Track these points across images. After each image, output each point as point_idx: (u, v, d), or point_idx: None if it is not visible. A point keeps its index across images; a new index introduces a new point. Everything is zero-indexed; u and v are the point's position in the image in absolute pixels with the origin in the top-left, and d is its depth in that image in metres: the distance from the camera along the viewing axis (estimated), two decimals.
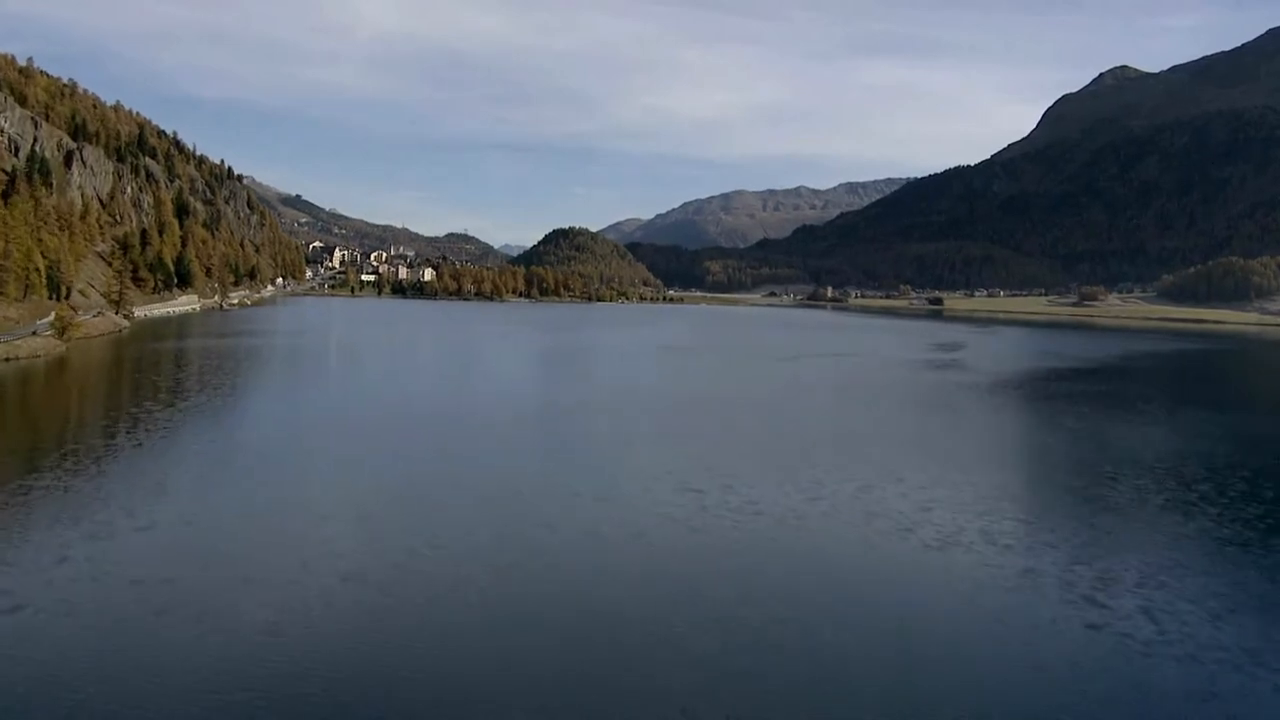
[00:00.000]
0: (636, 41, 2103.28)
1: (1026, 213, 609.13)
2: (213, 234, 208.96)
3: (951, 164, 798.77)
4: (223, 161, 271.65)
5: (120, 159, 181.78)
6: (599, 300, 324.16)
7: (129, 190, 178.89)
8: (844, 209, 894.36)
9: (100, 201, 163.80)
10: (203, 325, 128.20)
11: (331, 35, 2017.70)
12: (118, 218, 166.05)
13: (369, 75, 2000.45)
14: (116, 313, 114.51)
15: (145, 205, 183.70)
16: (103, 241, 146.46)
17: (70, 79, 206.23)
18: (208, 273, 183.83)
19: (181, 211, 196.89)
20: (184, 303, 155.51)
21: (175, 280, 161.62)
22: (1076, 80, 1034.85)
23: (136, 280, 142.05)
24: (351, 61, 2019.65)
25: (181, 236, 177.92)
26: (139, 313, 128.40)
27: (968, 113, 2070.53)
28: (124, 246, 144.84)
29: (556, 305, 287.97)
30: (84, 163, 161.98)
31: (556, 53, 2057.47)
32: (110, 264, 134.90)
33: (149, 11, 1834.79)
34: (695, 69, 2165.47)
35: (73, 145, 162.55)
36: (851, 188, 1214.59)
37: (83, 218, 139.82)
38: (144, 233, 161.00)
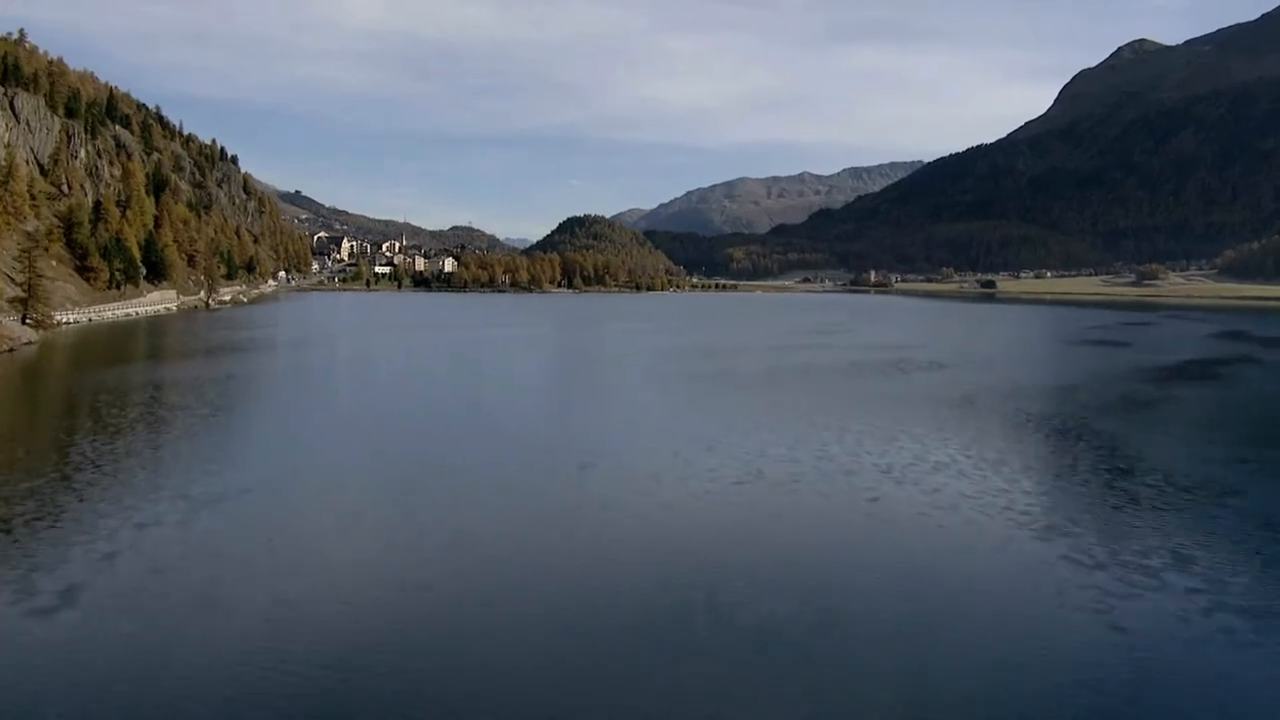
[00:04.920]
0: (625, 31, 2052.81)
1: (1058, 190, 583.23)
2: (199, 216, 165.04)
3: (956, 147, 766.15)
4: (214, 141, 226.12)
5: (71, 115, 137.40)
6: (650, 290, 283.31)
7: (82, 154, 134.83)
8: (850, 194, 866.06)
9: (40, 166, 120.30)
10: (172, 334, 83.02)
11: (318, 31, 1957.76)
12: (64, 188, 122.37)
13: (358, 70, 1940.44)
14: (25, 319, 70.58)
15: (106, 176, 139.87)
16: (37, 218, 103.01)
17: (20, 30, 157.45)
18: (190, 262, 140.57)
19: (159, 188, 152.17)
20: (155, 300, 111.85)
21: (144, 271, 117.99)
22: (1078, 61, 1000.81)
23: (85, 270, 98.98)
24: (341, 56, 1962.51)
25: (155, 216, 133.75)
26: (78, 317, 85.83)
27: (968, 96, 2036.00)
28: (68, 224, 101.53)
29: (605, 295, 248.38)
30: (14, 114, 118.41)
31: (546, 44, 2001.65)
32: (47, 248, 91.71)
33: (135, 12, 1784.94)
34: (686, 57, 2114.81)
35: None
36: (856, 172, 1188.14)
37: (4, 183, 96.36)
38: (98, 206, 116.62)
